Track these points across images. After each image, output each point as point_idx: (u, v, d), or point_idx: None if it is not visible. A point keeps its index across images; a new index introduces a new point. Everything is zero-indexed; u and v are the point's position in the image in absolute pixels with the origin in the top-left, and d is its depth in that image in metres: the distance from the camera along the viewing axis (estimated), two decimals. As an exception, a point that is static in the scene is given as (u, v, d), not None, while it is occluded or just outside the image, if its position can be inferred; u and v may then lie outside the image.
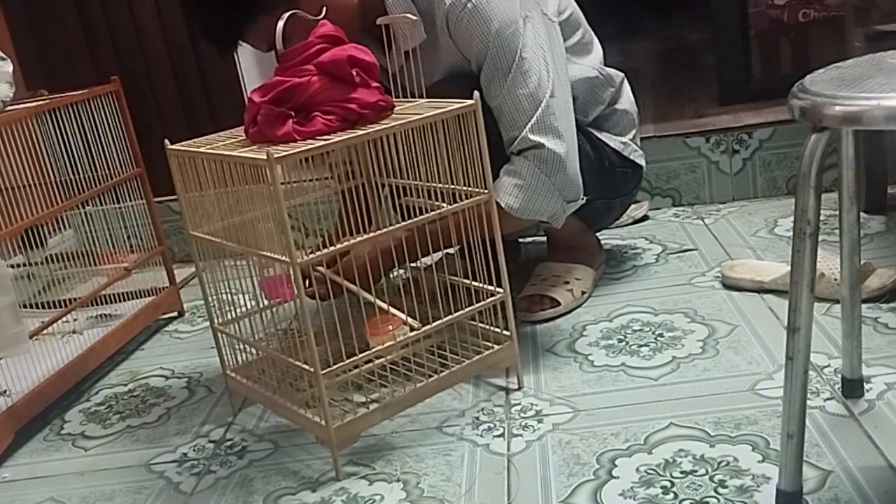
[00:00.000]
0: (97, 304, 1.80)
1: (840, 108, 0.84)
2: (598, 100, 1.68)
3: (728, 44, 2.30)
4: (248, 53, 2.28)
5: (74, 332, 1.75)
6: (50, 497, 1.30)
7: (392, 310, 1.35)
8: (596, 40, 1.71)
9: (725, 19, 2.29)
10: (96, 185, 1.76)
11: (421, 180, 1.34)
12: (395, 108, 1.30)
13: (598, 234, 1.82)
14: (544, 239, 1.83)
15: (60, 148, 1.72)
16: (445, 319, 1.31)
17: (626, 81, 1.75)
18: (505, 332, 1.37)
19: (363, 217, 1.52)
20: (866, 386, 1.22)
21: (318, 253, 1.18)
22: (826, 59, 1.06)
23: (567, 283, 1.67)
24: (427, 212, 1.29)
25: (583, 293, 1.67)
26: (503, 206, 1.44)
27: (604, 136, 1.69)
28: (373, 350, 1.28)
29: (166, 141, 1.33)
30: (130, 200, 1.86)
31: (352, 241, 1.24)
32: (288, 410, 1.32)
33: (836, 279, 1.47)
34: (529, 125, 1.45)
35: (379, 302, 1.37)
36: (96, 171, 1.77)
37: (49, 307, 1.72)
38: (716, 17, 2.29)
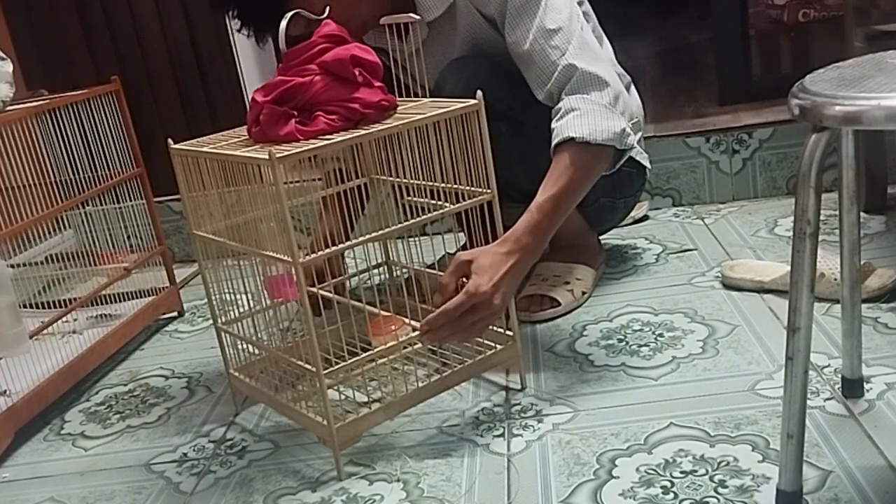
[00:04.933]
0: (97, 304, 1.80)
1: (840, 108, 0.84)
2: None
3: (728, 44, 2.31)
4: (249, 53, 2.29)
5: (74, 332, 1.75)
6: (50, 497, 1.30)
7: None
8: (606, 39, 1.71)
9: (725, 19, 2.29)
10: (96, 185, 1.77)
11: (424, 180, 1.34)
12: (398, 108, 1.30)
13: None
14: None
15: (60, 148, 1.72)
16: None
17: (633, 85, 1.75)
18: (507, 332, 1.38)
19: (347, 220, 1.53)
20: (866, 386, 1.22)
21: (320, 253, 1.18)
22: (826, 59, 1.06)
23: (567, 283, 1.67)
24: (429, 211, 1.29)
25: (583, 293, 1.67)
26: (577, 138, 1.35)
27: None
28: (375, 350, 1.28)
29: (170, 140, 1.33)
30: (130, 200, 1.86)
31: (357, 241, 1.24)
32: (290, 410, 1.32)
33: (836, 279, 1.48)
34: (569, 53, 1.41)
35: (372, 309, 1.37)
36: (96, 171, 1.77)
37: (49, 307, 1.72)
38: (716, 17, 2.30)
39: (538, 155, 1.50)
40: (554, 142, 1.38)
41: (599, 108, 1.39)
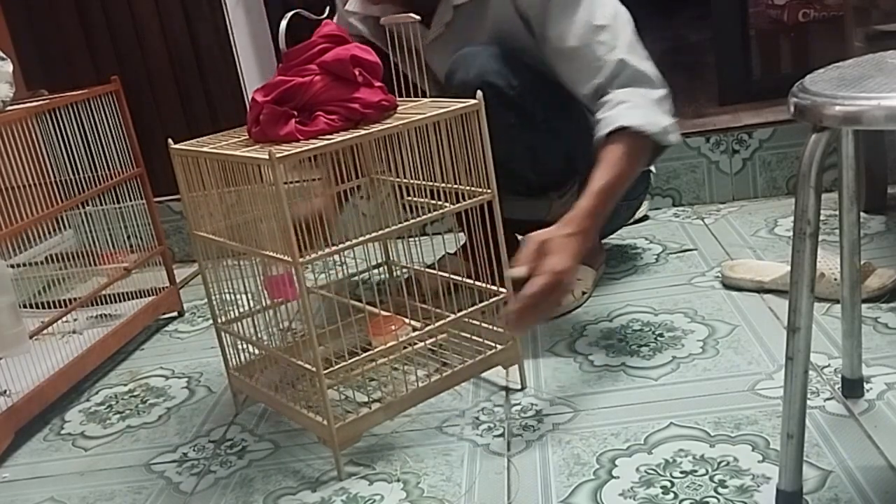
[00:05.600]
0: (97, 304, 1.80)
1: (840, 108, 0.84)
2: None
3: (728, 44, 2.31)
4: (249, 53, 2.29)
5: (74, 332, 1.75)
6: (50, 497, 1.30)
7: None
8: None
9: (725, 19, 2.29)
10: (96, 185, 1.76)
11: (424, 180, 1.34)
12: (399, 108, 1.30)
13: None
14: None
15: (60, 148, 1.72)
16: (448, 319, 1.31)
17: None
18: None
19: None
20: (866, 386, 1.22)
21: (320, 253, 1.18)
22: (826, 59, 1.06)
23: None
24: (429, 211, 1.29)
25: (583, 293, 1.67)
26: (631, 127, 1.37)
27: None
28: (375, 350, 1.28)
29: (170, 140, 1.33)
30: (130, 200, 1.86)
31: (357, 241, 1.24)
32: (290, 410, 1.32)
33: (836, 279, 1.48)
34: (619, 49, 1.43)
35: (372, 309, 1.37)
36: (96, 171, 1.77)
37: (49, 307, 1.72)
38: (716, 17, 2.30)
39: (545, 149, 1.52)
40: (605, 130, 1.39)
41: (650, 102, 1.41)
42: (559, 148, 1.57)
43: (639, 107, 1.40)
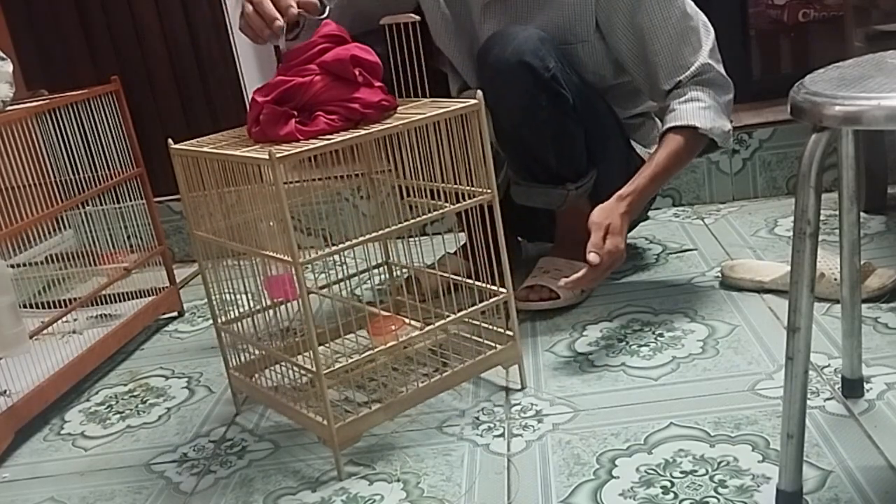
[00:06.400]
0: (97, 304, 1.79)
1: (840, 108, 0.84)
2: (640, 99, 1.71)
3: (728, 44, 2.30)
4: (249, 53, 2.29)
5: (74, 332, 1.75)
6: (50, 497, 1.30)
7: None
8: None
9: (725, 19, 2.28)
10: (96, 185, 1.76)
11: (424, 180, 1.34)
12: (398, 108, 1.30)
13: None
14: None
15: (60, 148, 1.72)
16: (448, 319, 1.31)
17: None
18: (508, 332, 1.38)
19: None
20: (866, 386, 1.22)
21: (320, 254, 1.18)
22: (826, 59, 1.06)
23: (568, 278, 1.67)
24: (429, 211, 1.29)
25: (582, 291, 1.67)
26: (699, 127, 1.51)
27: (632, 144, 1.71)
28: (375, 350, 1.28)
29: (170, 140, 1.33)
30: (130, 200, 1.86)
31: (357, 241, 1.24)
32: (290, 410, 1.32)
33: (836, 279, 1.48)
34: (704, 52, 1.55)
35: (372, 309, 1.37)
36: (96, 171, 1.77)
37: (49, 307, 1.72)
38: (716, 17, 2.29)
39: (571, 137, 1.54)
40: (675, 122, 1.52)
41: (718, 105, 1.54)
42: (583, 139, 1.59)
43: (709, 108, 1.52)
